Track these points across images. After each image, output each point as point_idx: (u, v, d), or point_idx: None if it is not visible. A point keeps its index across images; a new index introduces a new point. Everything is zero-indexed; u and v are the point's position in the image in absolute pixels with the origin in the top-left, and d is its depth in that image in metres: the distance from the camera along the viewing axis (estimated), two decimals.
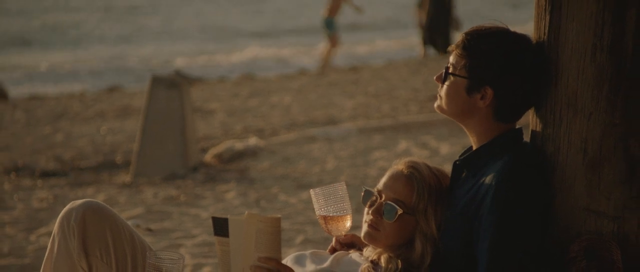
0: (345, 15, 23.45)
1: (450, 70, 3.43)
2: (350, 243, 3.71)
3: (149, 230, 7.12)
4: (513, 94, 3.37)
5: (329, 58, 20.68)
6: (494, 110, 3.40)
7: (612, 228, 3.31)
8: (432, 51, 20.35)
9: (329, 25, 20.46)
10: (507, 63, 3.35)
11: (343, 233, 3.68)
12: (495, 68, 3.36)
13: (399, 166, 3.55)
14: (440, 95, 3.47)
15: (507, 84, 3.36)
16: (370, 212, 3.54)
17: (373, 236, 3.52)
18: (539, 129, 3.41)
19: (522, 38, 3.40)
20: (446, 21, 19.91)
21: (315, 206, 3.65)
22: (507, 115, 3.41)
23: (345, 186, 3.65)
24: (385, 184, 3.55)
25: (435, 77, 3.49)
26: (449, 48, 3.47)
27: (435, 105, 3.49)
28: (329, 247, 3.73)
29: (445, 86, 3.45)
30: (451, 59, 3.45)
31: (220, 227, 3.46)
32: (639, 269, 3.33)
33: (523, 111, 3.43)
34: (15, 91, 18.97)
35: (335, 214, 3.64)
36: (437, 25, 19.85)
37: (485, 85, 3.37)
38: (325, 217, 3.64)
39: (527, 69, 3.36)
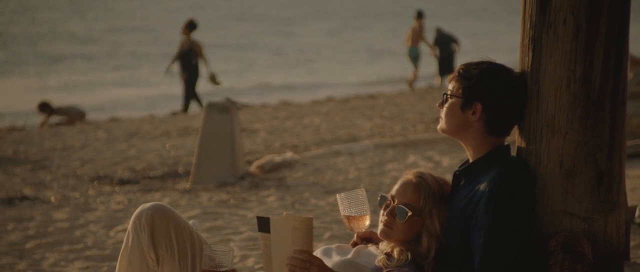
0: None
1: (448, 93, 3.43)
2: (369, 238, 3.70)
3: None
4: (499, 108, 3.36)
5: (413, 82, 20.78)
6: (484, 124, 3.38)
7: (583, 227, 3.29)
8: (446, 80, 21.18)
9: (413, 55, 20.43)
10: (492, 82, 3.34)
11: (363, 230, 3.66)
12: (483, 86, 3.34)
13: (409, 175, 3.54)
14: (441, 117, 3.47)
15: (493, 99, 3.35)
16: (385, 213, 3.53)
17: (387, 233, 3.51)
18: (523, 145, 3.40)
19: (504, 66, 3.40)
20: (451, 56, 20.95)
21: (340, 207, 3.64)
22: (496, 128, 3.39)
23: (364, 192, 3.64)
24: (397, 191, 3.53)
25: (437, 104, 3.49)
26: (448, 78, 3.47)
27: (438, 127, 3.48)
28: (351, 242, 3.72)
29: (444, 108, 3.44)
30: (449, 86, 3.45)
31: (263, 225, 3.45)
32: (605, 261, 3.31)
33: (509, 125, 3.40)
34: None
35: (356, 214, 3.62)
36: (446, 59, 20.88)
37: (475, 101, 3.36)
38: (348, 217, 3.63)
39: (510, 87, 3.35)
